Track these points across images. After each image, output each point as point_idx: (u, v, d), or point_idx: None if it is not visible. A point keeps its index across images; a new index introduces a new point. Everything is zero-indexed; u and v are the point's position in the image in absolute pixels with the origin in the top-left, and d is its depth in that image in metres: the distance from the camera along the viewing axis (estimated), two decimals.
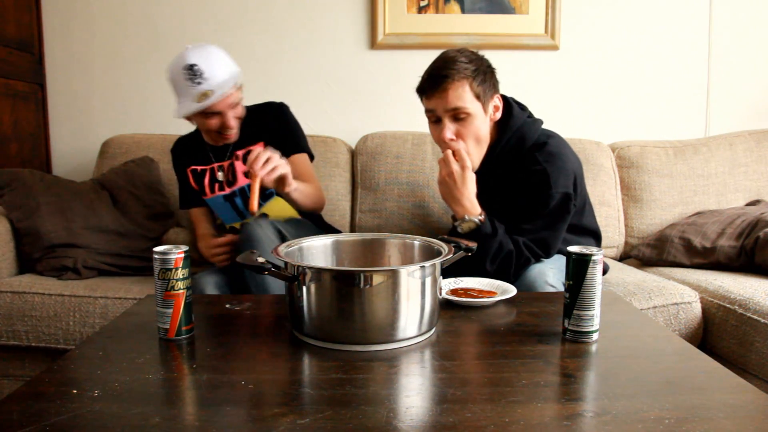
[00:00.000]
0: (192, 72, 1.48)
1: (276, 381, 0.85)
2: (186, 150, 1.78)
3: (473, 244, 1.07)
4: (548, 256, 1.40)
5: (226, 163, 1.69)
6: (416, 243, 1.14)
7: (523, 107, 1.51)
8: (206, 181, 1.71)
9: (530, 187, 1.39)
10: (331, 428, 0.68)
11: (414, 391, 0.82)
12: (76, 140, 2.37)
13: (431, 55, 1.43)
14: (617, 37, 2.35)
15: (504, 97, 1.49)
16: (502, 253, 1.35)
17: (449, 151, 1.36)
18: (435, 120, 1.41)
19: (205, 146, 1.73)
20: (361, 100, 2.36)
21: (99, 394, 0.77)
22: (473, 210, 1.35)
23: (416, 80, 1.42)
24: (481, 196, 1.39)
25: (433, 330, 1.01)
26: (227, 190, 1.68)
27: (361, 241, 1.19)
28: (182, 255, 0.96)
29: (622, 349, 0.96)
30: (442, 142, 1.40)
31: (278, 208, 1.66)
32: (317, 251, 1.14)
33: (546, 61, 2.34)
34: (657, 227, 2.09)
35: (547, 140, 1.43)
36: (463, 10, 2.29)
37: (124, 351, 0.94)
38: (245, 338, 1.03)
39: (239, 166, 1.67)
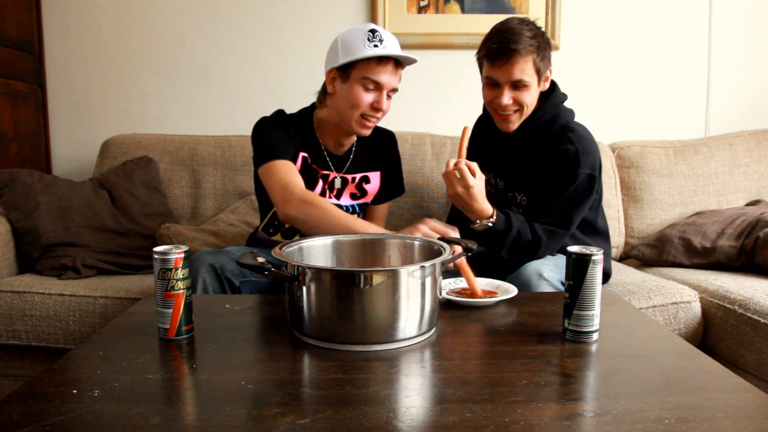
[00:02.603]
0: (373, 35, 1.46)
1: (276, 381, 0.85)
2: (297, 131, 1.58)
3: (473, 244, 1.07)
4: (569, 230, 1.45)
5: (348, 176, 1.63)
6: (416, 243, 1.14)
7: (562, 92, 1.57)
8: (317, 180, 1.59)
9: (559, 163, 1.45)
10: (331, 428, 0.68)
11: (414, 391, 0.82)
12: (76, 140, 2.37)
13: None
14: (617, 37, 2.35)
15: None
16: (520, 243, 1.40)
17: (454, 171, 1.35)
18: (493, 84, 1.47)
19: (320, 146, 1.60)
20: None
21: (99, 394, 0.77)
22: (483, 215, 1.39)
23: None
24: (510, 163, 1.53)
25: (433, 330, 1.01)
26: (333, 199, 1.61)
27: (361, 241, 1.19)
28: (182, 255, 0.96)
29: (622, 349, 0.96)
30: (496, 106, 1.48)
31: None
32: (317, 251, 1.14)
33: None
34: (657, 227, 2.09)
35: (577, 127, 1.52)
36: (463, 10, 2.29)
37: (124, 351, 0.94)
38: (245, 338, 1.03)
39: (349, 187, 1.63)
